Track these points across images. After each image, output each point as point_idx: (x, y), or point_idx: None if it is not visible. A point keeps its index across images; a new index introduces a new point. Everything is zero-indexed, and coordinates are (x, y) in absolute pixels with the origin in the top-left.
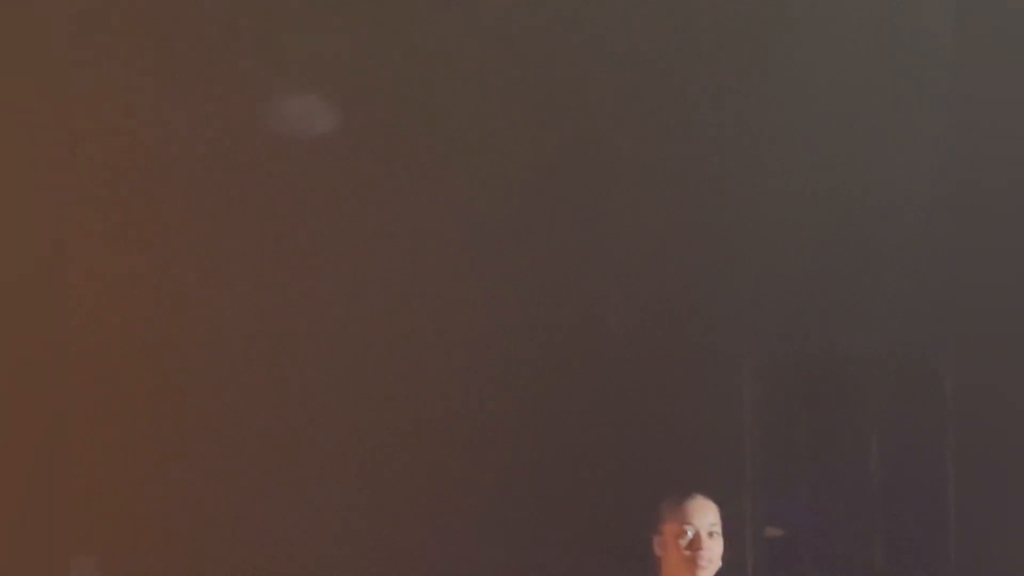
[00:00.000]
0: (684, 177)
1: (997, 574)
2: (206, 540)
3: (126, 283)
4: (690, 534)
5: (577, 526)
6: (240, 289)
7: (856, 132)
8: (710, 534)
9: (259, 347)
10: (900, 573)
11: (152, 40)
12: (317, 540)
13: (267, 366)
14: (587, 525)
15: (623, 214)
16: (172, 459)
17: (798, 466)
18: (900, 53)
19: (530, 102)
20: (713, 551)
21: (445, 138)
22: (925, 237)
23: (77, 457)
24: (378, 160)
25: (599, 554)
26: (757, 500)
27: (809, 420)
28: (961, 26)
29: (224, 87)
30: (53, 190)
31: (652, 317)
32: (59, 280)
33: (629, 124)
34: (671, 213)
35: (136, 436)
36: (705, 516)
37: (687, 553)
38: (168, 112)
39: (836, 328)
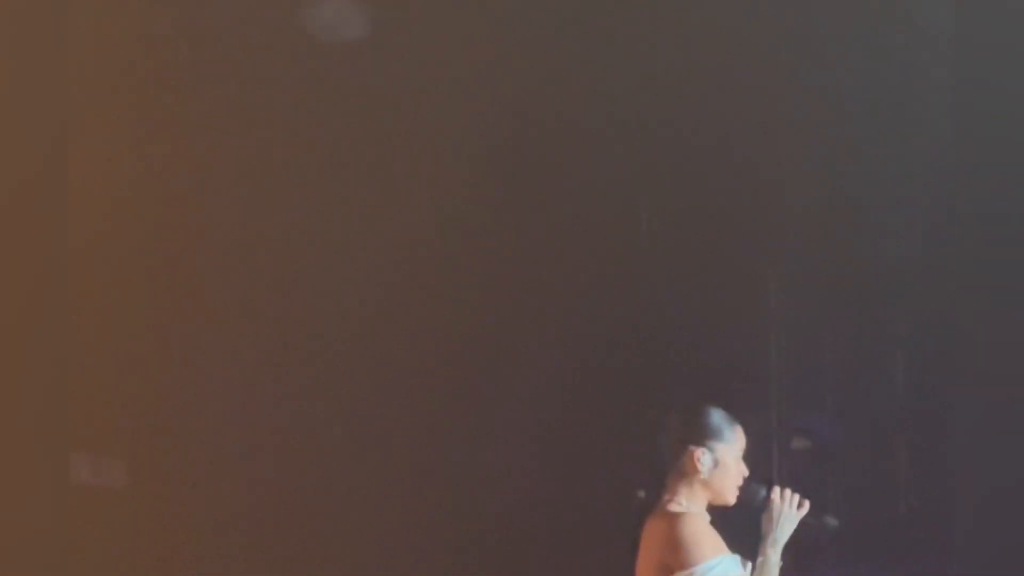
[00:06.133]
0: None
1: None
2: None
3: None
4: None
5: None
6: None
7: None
8: None
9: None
10: (925, 486)
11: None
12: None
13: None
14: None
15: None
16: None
17: (825, 379)
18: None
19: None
20: None
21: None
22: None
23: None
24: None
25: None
26: (783, 413)
27: (836, 333)
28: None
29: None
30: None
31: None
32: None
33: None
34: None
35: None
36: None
37: (740, 479)
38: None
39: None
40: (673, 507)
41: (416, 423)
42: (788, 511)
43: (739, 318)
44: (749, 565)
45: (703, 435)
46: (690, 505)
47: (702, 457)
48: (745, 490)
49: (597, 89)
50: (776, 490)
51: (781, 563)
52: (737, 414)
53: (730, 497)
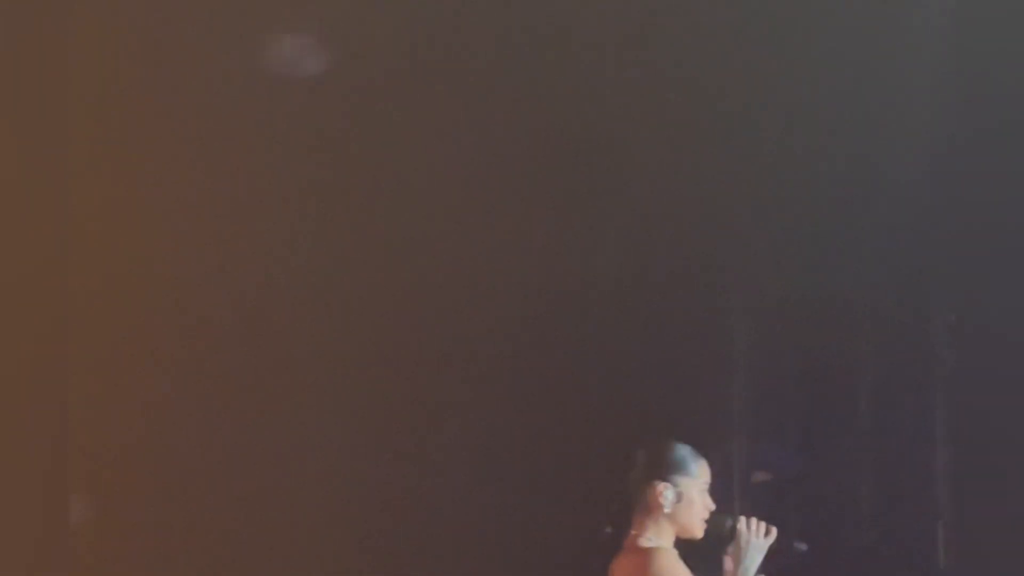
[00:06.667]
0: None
1: (984, 517)
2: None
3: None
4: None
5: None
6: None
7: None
8: None
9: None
10: (887, 518)
11: None
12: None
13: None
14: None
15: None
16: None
17: (786, 410)
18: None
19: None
20: None
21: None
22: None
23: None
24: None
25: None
26: (744, 445)
27: (798, 363)
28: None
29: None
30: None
31: (641, 265)
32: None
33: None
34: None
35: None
36: None
37: (706, 512)
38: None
39: (826, 271)
40: (643, 542)
41: (390, 456)
42: (756, 540)
43: (702, 352)
44: None
45: (667, 470)
46: (658, 540)
47: (665, 492)
48: (712, 522)
49: (563, 121)
50: (742, 520)
51: None
52: (702, 448)
53: (697, 531)
